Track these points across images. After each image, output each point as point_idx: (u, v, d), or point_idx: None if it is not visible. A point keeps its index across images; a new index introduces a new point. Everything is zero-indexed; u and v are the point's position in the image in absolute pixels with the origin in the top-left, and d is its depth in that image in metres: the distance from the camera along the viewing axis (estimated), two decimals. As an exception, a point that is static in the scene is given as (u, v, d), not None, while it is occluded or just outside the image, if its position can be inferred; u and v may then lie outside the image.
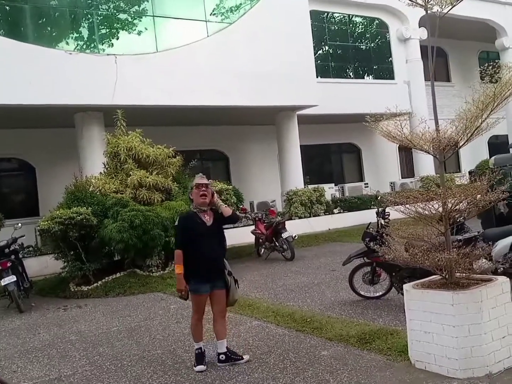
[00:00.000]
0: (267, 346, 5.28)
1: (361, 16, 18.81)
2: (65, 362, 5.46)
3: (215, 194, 4.85)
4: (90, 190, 10.01)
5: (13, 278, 8.14)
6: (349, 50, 18.68)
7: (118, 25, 13.01)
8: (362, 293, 7.01)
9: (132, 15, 13.09)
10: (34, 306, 8.53)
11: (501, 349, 4.13)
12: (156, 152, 10.43)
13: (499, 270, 6.09)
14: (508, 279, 4.41)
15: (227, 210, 4.82)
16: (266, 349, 5.19)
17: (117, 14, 12.95)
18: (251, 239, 12.22)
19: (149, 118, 13.70)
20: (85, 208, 9.23)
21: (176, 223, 4.89)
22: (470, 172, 8.57)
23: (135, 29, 13.12)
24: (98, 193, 9.96)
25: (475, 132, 4.31)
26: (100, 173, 10.73)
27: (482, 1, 19.64)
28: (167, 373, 4.84)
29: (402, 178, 20.32)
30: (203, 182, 4.73)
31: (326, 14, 18.03)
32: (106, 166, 10.74)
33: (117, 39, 12.85)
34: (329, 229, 15.22)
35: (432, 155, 4.52)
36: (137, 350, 5.63)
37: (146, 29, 13.08)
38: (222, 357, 4.82)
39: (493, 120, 4.59)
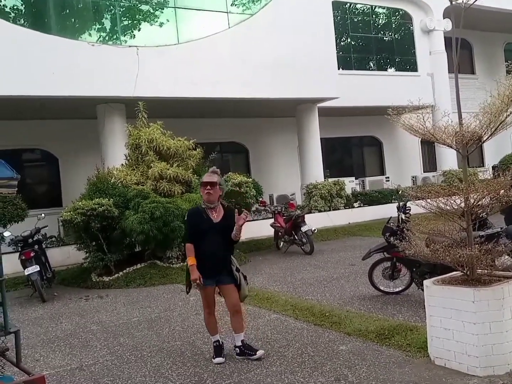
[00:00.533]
0: (286, 340, 5.29)
1: (384, 7, 18.55)
2: (86, 352, 5.55)
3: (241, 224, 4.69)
4: (111, 181, 10.11)
5: (36, 268, 8.29)
6: (371, 41, 18.44)
7: (140, 16, 13.07)
8: (381, 288, 6.96)
9: (154, 7, 13.13)
10: (56, 295, 8.69)
11: (523, 347, 4.06)
12: (176, 144, 10.48)
13: (522, 267, 5.99)
14: (531, 276, 4.33)
15: (237, 237, 4.79)
16: (285, 343, 5.20)
17: (139, 5, 12.99)
18: (270, 232, 12.23)
19: (170, 110, 13.76)
20: (106, 199, 9.33)
21: (186, 218, 4.99)
22: (493, 167, 8.41)
23: (156, 21, 13.17)
24: (119, 185, 10.06)
25: (499, 126, 4.23)
26: (122, 164, 10.83)
27: (509, -9, 19.17)
28: (186, 364, 4.88)
29: (424, 172, 20.06)
30: (210, 181, 4.74)
31: (348, 4, 17.82)
32: (128, 158, 10.84)
33: (139, 30, 12.92)
34: (349, 223, 15.14)
35: (455, 149, 4.45)
36: (156, 341, 5.69)
37: (167, 20, 13.11)
38: (237, 351, 4.86)
39: (518, 114, 4.50)
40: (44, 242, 10.00)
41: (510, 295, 4.06)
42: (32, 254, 8.41)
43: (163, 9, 13.12)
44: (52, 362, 5.32)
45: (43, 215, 9.49)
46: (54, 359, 5.41)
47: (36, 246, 8.93)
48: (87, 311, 7.50)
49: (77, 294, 8.72)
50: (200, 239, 4.69)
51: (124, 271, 9.43)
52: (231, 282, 4.76)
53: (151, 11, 13.14)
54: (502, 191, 4.41)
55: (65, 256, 11.19)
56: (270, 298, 7.09)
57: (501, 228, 6.40)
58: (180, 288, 8.44)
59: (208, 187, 4.71)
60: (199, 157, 10.87)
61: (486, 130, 4.36)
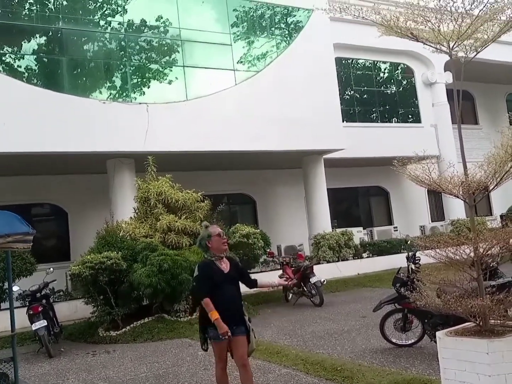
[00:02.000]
0: (297, 395, 5.17)
1: (386, 62, 19.10)
2: (93, 409, 5.43)
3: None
4: (120, 234, 10.18)
5: (44, 322, 8.23)
6: (374, 94, 18.89)
7: (149, 74, 13.53)
8: (393, 340, 6.83)
9: (163, 65, 13.61)
10: (63, 351, 8.57)
11: (541, 400, 3.94)
12: (185, 197, 10.60)
13: (536, 317, 5.89)
14: (546, 327, 4.25)
15: (266, 285, 5.20)
16: (296, 398, 5.08)
17: (148, 64, 13.48)
18: (279, 283, 12.09)
19: (179, 163, 14.00)
20: (115, 252, 9.36)
21: (196, 272, 4.87)
22: (501, 216, 8.41)
23: (166, 79, 13.62)
24: (128, 238, 10.12)
25: (505, 176, 4.28)
26: (131, 217, 10.93)
27: (509, 44, 19.71)
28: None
29: (432, 221, 20.01)
30: (222, 231, 4.89)
31: (351, 60, 18.39)
32: (137, 211, 10.94)
33: (149, 88, 13.34)
34: (358, 273, 14.98)
35: (462, 199, 4.49)
36: (165, 398, 5.57)
37: (176, 78, 13.57)
38: None
39: (524, 163, 4.56)
40: (52, 297, 9.96)
41: (525, 346, 3.99)
42: (40, 309, 8.37)
43: (172, 67, 13.60)
44: (58, 421, 5.19)
45: (51, 269, 9.50)
46: (60, 418, 5.29)
47: (44, 301, 8.90)
48: (94, 366, 7.38)
49: (84, 350, 8.60)
50: (215, 292, 4.61)
51: (132, 325, 9.32)
52: (244, 333, 4.67)
53: (160, 69, 13.62)
54: (511, 240, 4.41)
55: (72, 310, 11.10)
56: (280, 352, 6.96)
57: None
58: (188, 342, 8.32)
59: (225, 236, 4.83)
60: (207, 209, 10.96)
61: (491, 180, 4.41)
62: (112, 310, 9.27)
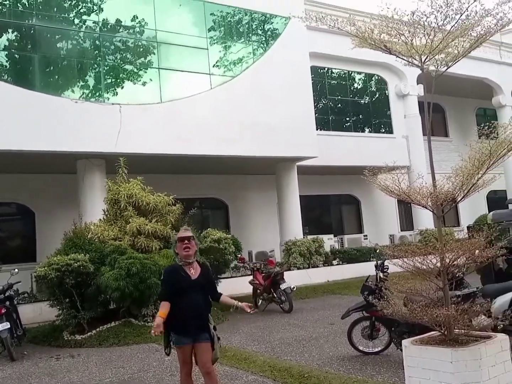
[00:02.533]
0: (263, 402, 5.15)
1: (360, 72, 19.37)
2: (54, 415, 5.30)
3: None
4: (88, 236, 10.00)
5: (6, 325, 8.01)
6: (348, 104, 19.12)
7: (123, 75, 13.37)
8: (361, 348, 6.89)
9: (138, 67, 13.49)
10: (26, 354, 8.35)
11: (502, 409, 4.03)
12: (156, 200, 10.49)
13: (498, 327, 6.02)
14: (507, 336, 4.36)
15: (229, 303, 4.92)
16: (262, 405, 5.06)
17: (123, 65, 13.34)
18: (248, 289, 12.08)
19: (151, 166, 13.87)
20: (82, 255, 9.19)
21: (162, 276, 4.88)
22: (468, 227, 8.60)
23: (140, 80, 13.48)
24: (96, 240, 9.95)
25: (472, 188, 4.38)
26: (100, 219, 10.75)
27: (478, 60, 20.27)
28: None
29: (401, 230, 20.33)
30: (186, 235, 4.70)
31: (326, 69, 18.57)
32: (106, 213, 10.78)
33: (122, 88, 13.19)
34: (328, 280, 15.09)
35: (430, 210, 4.57)
36: (129, 403, 5.48)
37: (151, 80, 13.45)
38: None
39: (491, 176, 4.68)
40: (16, 298, 9.70)
41: (487, 355, 4.07)
42: (3, 311, 8.13)
43: (147, 69, 13.49)
44: (18, 427, 5.05)
45: (16, 270, 9.25)
46: (20, 424, 5.14)
47: (7, 302, 8.66)
48: (58, 371, 7.21)
49: (48, 353, 8.39)
50: (180, 297, 4.54)
51: (98, 329, 9.15)
52: (208, 340, 4.59)
53: (135, 70, 13.49)
54: (477, 251, 4.51)
55: (37, 313, 10.84)
56: (247, 358, 6.93)
57: (477, 288, 6.48)
58: (155, 348, 8.21)
59: (186, 241, 4.65)
60: (179, 213, 10.87)
61: (459, 192, 4.50)
62: (78, 314, 9.08)
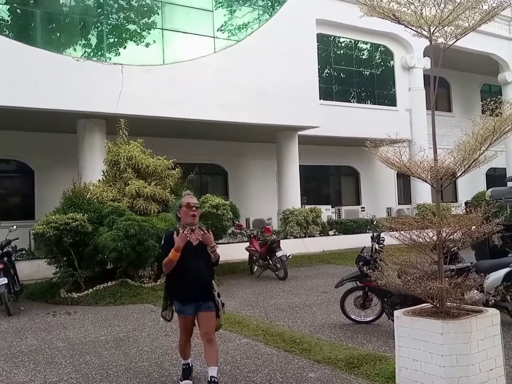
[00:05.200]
0: (255, 365, 5.26)
1: (367, 42, 19.06)
2: (50, 369, 5.42)
3: (210, 237, 4.44)
4: (87, 196, 10.03)
5: (4, 280, 8.10)
6: (353, 74, 18.88)
7: (126, 35, 13.15)
8: (353, 317, 7.00)
9: (141, 27, 13.25)
10: (23, 310, 8.48)
11: (488, 381, 4.12)
12: (155, 163, 10.48)
13: (490, 302, 6.12)
14: (498, 311, 4.42)
15: (217, 255, 4.52)
16: (254, 368, 5.17)
17: (126, 24, 13.10)
18: (245, 255, 12.22)
19: (152, 128, 13.79)
20: (81, 214, 9.23)
21: (162, 241, 4.67)
22: (466, 203, 8.64)
23: (143, 41, 13.27)
24: (95, 200, 9.98)
25: (473, 164, 4.37)
26: (99, 180, 10.76)
27: (487, 35, 19.95)
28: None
29: (399, 204, 20.40)
30: (194, 202, 4.48)
31: (332, 38, 18.27)
32: (105, 174, 10.78)
33: (125, 48, 13.00)
34: (324, 250, 15.23)
35: (429, 184, 4.57)
36: (124, 361, 5.60)
37: (154, 41, 13.24)
38: (214, 380, 4.39)
39: (492, 153, 4.66)
40: (14, 255, 9.79)
41: (477, 328, 4.13)
42: (1, 266, 8.22)
43: (150, 30, 13.26)
44: (15, 378, 5.17)
45: (14, 227, 9.31)
46: (17, 375, 5.26)
47: (5, 258, 8.75)
48: (54, 327, 7.34)
49: (45, 310, 8.53)
50: (180, 264, 4.34)
51: (94, 288, 9.28)
52: (212, 308, 4.45)
53: (138, 31, 13.26)
54: (474, 227, 4.53)
55: (34, 270, 10.96)
56: (241, 322, 7.05)
57: (471, 263, 6.55)
58: (150, 308, 8.34)
59: (194, 208, 4.43)
60: (178, 177, 10.88)
61: (459, 167, 4.49)
62: (75, 272, 9.20)
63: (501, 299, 6.31)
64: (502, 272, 6.28)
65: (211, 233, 4.44)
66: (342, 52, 18.86)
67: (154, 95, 12.51)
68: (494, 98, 4.68)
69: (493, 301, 6.20)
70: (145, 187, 10.06)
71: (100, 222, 9.45)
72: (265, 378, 4.86)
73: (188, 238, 4.29)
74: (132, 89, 12.21)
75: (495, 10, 5.05)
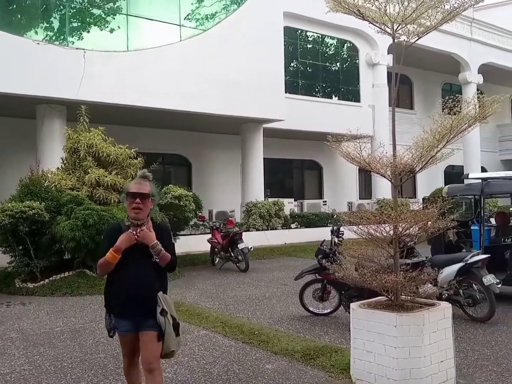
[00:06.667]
0: (213, 357, 5.26)
1: (333, 38, 19.19)
2: (3, 360, 5.27)
3: (149, 235, 3.39)
4: (45, 184, 9.78)
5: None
6: (319, 69, 18.99)
7: (90, 20, 12.82)
8: (311, 309, 7.09)
9: (106, 12, 12.94)
10: (-25, 300, 8.23)
11: (439, 373, 4.25)
12: (117, 152, 10.28)
13: (443, 296, 6.30)
14: (450, 305, 4.55)
15: (165, 258, 3.41)
16: (211, 359, 5.17)
17: (90, 8, 12.76)
18: (207, 247, 12.18)
19: (114, 116, 13.51)
20: (38, 202, 8.99)
21: (103, 235, 3.74)
22: (423, 199, 8.84)
23: (107, 26, 12.97)
24: (53, 189, 9.74)
25: (430, 161, 4.46)
26: (58, 168, 10.49)
27: (449, 35, 20.40)
28: (108, 377, 4.74)
29: (360, 199, 20.71)
30: (140, 191, 3.40)
31: (299, 31, 18.30)
32: (64, 162, 10.51)
33: (88, 33, 12.67)
34: (285, 243, 15.34)
35: (388, 179, 4.65)
36: (79, 352, 5.50)
37: (119, 27, 12.95)
38: None
39: (449, 150, 4.77)
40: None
41: (430, 321, 4.25)
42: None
43: (115, 15, 12.96)
44: (-37, 371, 5.01)
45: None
46: (-35, 367, 5.10)
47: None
48: (8, 317, 7.14)
49: (-2, 300, 8.29)
50: (119, 266, 3.37)
51: (51, 278, 9.07)
52: (154, 329, 3.37)
53: (103, 15, 12.94)
54: (430, 222, 4.64)
55: (-12, 259, 10.61)
56: (200, 314, 7.03)
57: (426, 258, 6.72)
58: (109, 299, 8.21)
59: (138, 200, 3.38)
60: (140, 167, 10.69)
61: (417, 163, 4.58)
62: (30, 262, 8.97)
63: (454, 293, 6.51)
64: (456, 267, 6.48)
65: (151, 230, 3.42)
66: (309, 46, 18.94)
67: (117, 82, 12.26)
68: (452, 97, 4.79)
69: (446, 295, 6.39)
70: (106, 176, 9.86)
71: (58, 211, 9.23)
72: (222, 370, 4.87)
73: (137, 240, 3.35)
74: (94, 75, 11.93)
75: (457, 10, 5.15)
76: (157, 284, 3.44)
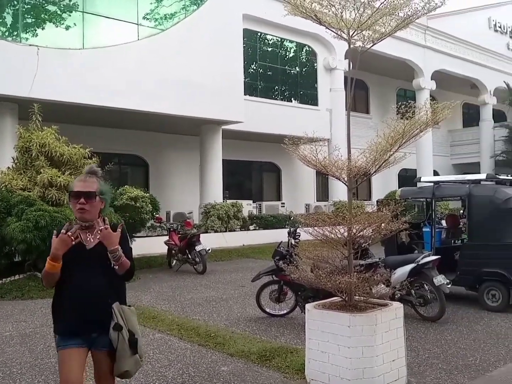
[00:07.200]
0: (168, 360, 5.21)
1: (292, 41, 19.38)
2: None
3: (112, 235, 2.93)
4: (-5, 184, 9.44)
5: None
6: (278, 72, 19.14)
7: (45, 16, 12.48)
8: (267, 310, 7.12)
9: (62, 8, 12.62)
10: None
11: (391, 371, 4.34)
12: (71, 151, 10.04)
13: (396, 296, 6.45)
14: (402, 305, 4.67)
15: (124, 264, 2.96)
16: (166, 363, 5.11)
17: (45, 4, 12.42)
18: (163, 249, 12.05)
19: (68, 115, 13.19)
20: (-13, 203, 8.67)
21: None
22: (377, 201, 9.05)
23: (63, 23, 12.66)
24: (3, 189, 9.41)
25: (383, 164, 4.57)
26: (8, 167, 10.15)
27: (404, 41, 20.97)
28: (58, 382, 4.60)
29: (317, 200, 20.97)
30: (84, 190, 2.96)
31: (259, 34, 18.39)
32: (16, 161, 10.18)
33: (43, 29, 12.33)
34: (244, 245, 15.35)
35: (343, 182, 4.73)
36: (29, 358, 5.33)
37: (75, 24, 12.66)
38: None
39: (401, 154, 4.90)
40: None
41: (382, 321, 4.34)
42: None
43: (71, 12, 12.66)
44: None
45: None
46: None
47: None
48: (-48, 323, 6.84)
49: None
50: (66, 276, 2.93)
51: (0, 281, 8.76)
52: (105, 348, 2.96)
53: (58, 12, 12.62)
54: (383, 224, 4.74)
55: None
56: (156, 317, 6.95)
57: (379, 259, 6.87)
58: (61, 302, 7.99)
59: (82, 200, 2.94)
60: (95, 167, 10.47)
61: (371, 167, 4.69)
62: (-22, 265, 8.64)
63: (406, 293, 6.68)
64: (408, 267, 6.65)
65: (117, 230, 2.95)
66: (268, 49, 19.05)
67: (73, 80, 11.97)
68: (405, 103, 4.92)
69: (399, 295, 6.55)
70: (59, 176, 9.60)
71: (8, 212, 8.93)
72: (177, 373, 4.82)
73: (74, 242, 2.87)
74: (48, 72, 11.61)
75: (410, 18, 5.30)
76: (112, 295, 2.99)
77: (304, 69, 20.02)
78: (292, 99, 19.66)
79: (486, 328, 6.41)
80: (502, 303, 7.21)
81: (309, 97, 19.88)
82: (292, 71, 19.64)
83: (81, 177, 3.08)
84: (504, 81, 24.95)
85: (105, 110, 13.07)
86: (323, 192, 21.51)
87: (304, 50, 19.83)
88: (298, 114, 18.34)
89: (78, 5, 12.71)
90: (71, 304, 2.93)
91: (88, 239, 3.00)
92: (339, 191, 18.50)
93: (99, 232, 2.92)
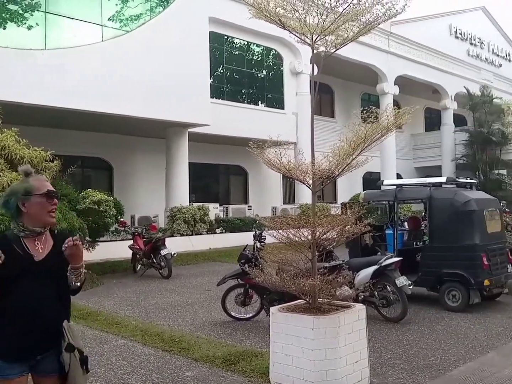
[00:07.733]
0: (131, 366, 5.12)
1: (259, 45, 19.45)
2: None
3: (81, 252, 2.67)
4: (-50, 188, 9.10)
5: None
6: (245, 75, 19.17)
7: (5, 15, 12.14)
8: (233, 314, 7.10)
9: (23, 8, 12.30)
10: None
11: (354, 373, 4.39)
12: (31, 154, 9.77)
13: (359, 298, 6.54)
14: (364, 306, 4.73)
15: (76, 282, 2.68)
16: (129, 369, 5.03)
17: (6, 3, 12.09)
18: (128, 254, 11.86)
19: (29, 117, 12.86)
20: None
21: None
22: (342, 204, 9.16)
23: (24, 23, 12.33)
24: (-40, 193, 9.09)
25: (346, 168, 4.63)
26: (-35, 171, 9.81)
27: (368, 47, 21.33)
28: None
29: (284, 203, 21.07)
30: (53, 189, 2.75)
31: (226, 37, 18.38)
32: (-27, 164, 9.85)
33: (4, 29, 11.99)
34: (210, 248, 15.27)
35: (307, 185, 4.77)
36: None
37: (37, 24, 12.36)
38: None
39: (364, 158, 4.97)
40: None
41: (345, 323, 4.39)
42: None
43: (33, 11, 12.36)
44: None
45: None
46: None
47: None
48: None
49: None
50: (9, 290, 2.55)
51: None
52: (55, 373, 2.63)
53: (20, 12, 12.30)
54: (348, 226, 4.80)
55: None
56: (119, 322, 6.83)
57: (343, 261, 6.95)
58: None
59: (56, 201, 2.71)
60: (56, 170, 10.21)
61: (334, 170, 4.74)
62: None
63: (370, 294, 6.78)
64: (371, 269, 6.75)
65: (80, 244, 2.66)
66: (235, 52, 19.05)
67: (34, 81, 11.67)
68: (367, 108, 5.00)
69: (362, 296, 6.64)
70: (19, 180, 9.35)
71: (-35, 217, 8.62)
72: (140, 380, 4.75)
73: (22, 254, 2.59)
74: (8, 73, 11.29)
75: (372, 24, 5.40)
76: (62, 312, 2.68)
77: (271, 73, 20.12)
78: (259, 102, 19.72)
79: (447, 328, 6.56)
80: (462, 303, 7.40)
81: (276, 101, 19.98)
82: (259, 75, 19.70)
83: (38, 177, 2.81)
84: (465, 87, 25.66)
85: (69, 112, 12.78)
86: (290, 195, 21.61)
87: (271, 54, 19.93)
88: (264, 117, 18.41)
89: (40, 5, 12.41)
90: (15, 323, 2.56)
91: (36, 248, 2.66)
92: (305, 194, 18.61)
93: (66, 246, 2.57)
